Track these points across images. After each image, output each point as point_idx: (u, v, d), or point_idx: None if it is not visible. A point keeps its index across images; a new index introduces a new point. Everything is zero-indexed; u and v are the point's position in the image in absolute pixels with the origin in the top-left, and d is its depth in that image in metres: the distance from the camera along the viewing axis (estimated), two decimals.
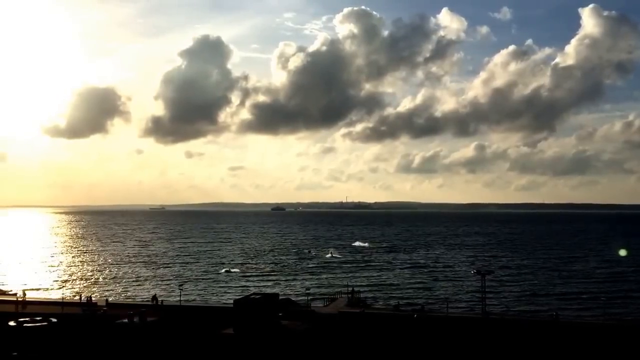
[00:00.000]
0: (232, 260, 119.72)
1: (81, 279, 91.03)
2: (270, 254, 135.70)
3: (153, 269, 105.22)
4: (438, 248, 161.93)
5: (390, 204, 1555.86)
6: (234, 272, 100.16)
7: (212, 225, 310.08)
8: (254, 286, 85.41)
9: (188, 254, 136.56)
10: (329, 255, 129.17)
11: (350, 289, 69.42)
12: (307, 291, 72.54)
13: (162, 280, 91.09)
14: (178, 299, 64.35)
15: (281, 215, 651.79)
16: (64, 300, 61.34)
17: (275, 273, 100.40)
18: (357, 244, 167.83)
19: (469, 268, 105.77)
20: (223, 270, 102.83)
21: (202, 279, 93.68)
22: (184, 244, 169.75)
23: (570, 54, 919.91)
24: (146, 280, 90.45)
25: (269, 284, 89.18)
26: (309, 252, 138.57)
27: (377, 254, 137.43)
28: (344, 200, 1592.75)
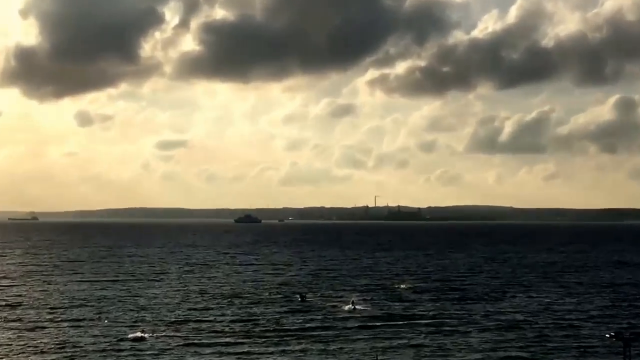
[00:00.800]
0: (155, 317, 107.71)
1: None
2: (231, 304, 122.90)
3: (14, 332, 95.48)
4: (546, 289, 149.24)
5: (456, 211, 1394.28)
6: (153, 340, 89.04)
7: (124, 251, 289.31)
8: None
9: (75, 303, 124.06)
10: (349, 306, 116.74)
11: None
12: None
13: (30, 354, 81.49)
14: None
15: (253, 231, 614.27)
16: None
17: (240, 341, 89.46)
18: (403, 286, 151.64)
19: (601, 327, 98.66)
20: (135, 334, 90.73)
21: (96, 351, 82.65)
22: (68, 283, 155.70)
23: None
24: None
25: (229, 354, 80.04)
26: (303, 297, 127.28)
27: (440, 304, 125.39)
28: (371, 205, 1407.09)
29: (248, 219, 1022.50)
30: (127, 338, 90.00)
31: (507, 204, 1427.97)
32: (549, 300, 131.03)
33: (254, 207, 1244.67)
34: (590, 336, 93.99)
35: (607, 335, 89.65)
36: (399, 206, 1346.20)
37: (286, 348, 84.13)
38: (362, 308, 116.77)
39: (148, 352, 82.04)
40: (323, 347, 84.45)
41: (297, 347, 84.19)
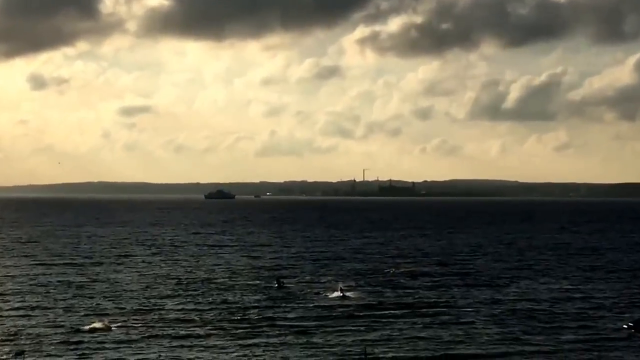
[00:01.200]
0: (116, 305, 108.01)
1: None
2: (202, 291, 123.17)
3: None
4: (557, 274, 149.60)
5: (455, 186, 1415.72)
6: (115, 331, 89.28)
7: (82, 230, 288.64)
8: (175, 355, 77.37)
9: (26, 289, 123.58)
10: (337, 293, 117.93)
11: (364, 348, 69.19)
12: None
13: None
14: None
15: (225, 208, 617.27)
16: None
17: (211, 332, 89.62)
18: (395, 270, 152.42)
19: (618, 317, 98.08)
20: (95, 324, 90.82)
21: (50, 343, 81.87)
22: (18, 267, 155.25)
23: None
24: None
25: (202, 355, 78.66)
26: (280, 283, 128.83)
27: (438, 290, 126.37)
28: (359, 179, 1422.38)
29: (220, 195, 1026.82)
30: (86, 328, 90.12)
31: (512, 178, 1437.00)
32: (560, 286, 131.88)
33: (227, 181, 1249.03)
34: (606, 327, 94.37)
35: (624, 326, 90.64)
36: (390, 180, 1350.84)
37: (263, 340, 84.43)
38: (351, 295, 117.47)
39: (109, 344, 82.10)
40: (305, 340, 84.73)
41: (276, 340, 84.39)
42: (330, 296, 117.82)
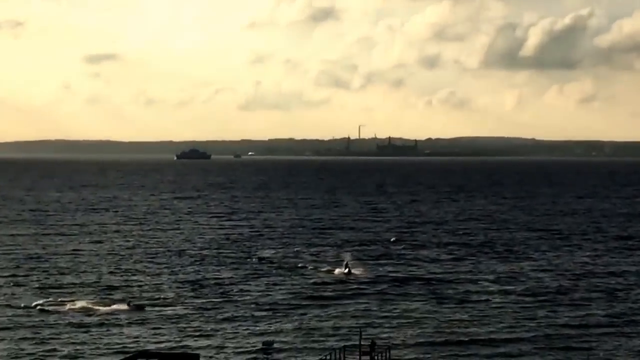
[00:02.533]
0: (76, 281, 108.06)
1: None
2: (173, 266, 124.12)
3: None
4: (581, 245, 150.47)
5: (464, 144, 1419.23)
6: (72, 310, 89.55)
7: (37, 196, 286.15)
8: (142, 338, 77.31)
9: None
10: (341, 269, 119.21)
11: (370, 341, 67.44)
12: (268, 347, 70.67)
13: None
14: None
15: (199, 170, 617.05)
16: None
17: (184, 312, 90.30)
18: (396, 240, 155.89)
19: None
20: (50, 303, 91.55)
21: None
22: None
23: None
24: None
25: (181, 334, 79.71)
26: (260, 258, 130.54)
27: (445, 264, 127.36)
28: (354, 136, 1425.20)
29: (194, 154, 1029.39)
30: (40, 308, 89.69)
31: (529, 134, 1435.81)
32: (585, 259, 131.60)
33: (204, 139, 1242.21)
34: (637, 304, 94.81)
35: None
36: (389, 138, 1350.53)
37: (244, 324, 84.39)
38: (355, 272, 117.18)
39: (65, 325, 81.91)
40: (297, 323, 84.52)
41: (259, 326, 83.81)
42: (335, 272, 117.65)
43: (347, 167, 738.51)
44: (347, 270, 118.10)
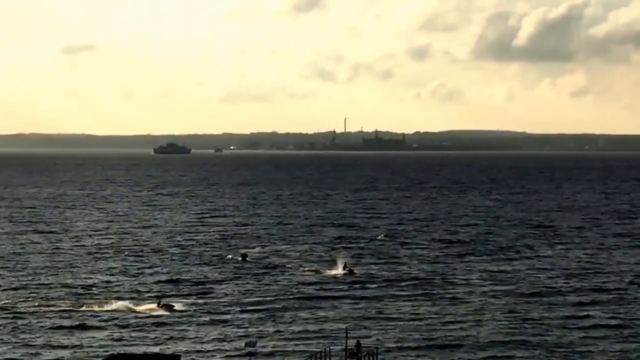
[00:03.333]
0: (49, 282, 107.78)
1: None
2: (151, 265, 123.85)
3: None
4: (577, 241, 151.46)
5: (453, 138, 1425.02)
6: (42, 311, 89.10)
7: (9, 193, 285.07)
8: (122, 340, 77.16)
9: None
10: (337, 270, 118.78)
11: (355, 341, 67.04)
12: (251, 347, 67.87)
13: None
14: None
15: (177, 165, 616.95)
16: None
17: (161, 313, 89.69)
18: (384, 237, 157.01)
19: None
20: (15, 304, 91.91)
21: None
22: None
23: None
24: None
25: (162, 336, 79.26)
26: (244, 257, 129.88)
27: (435, 262, 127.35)
28: (340, 130, 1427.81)
29: (172, 149, 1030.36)
30: (8, 308, 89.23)
31: (520, 128, 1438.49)
32: (582, 256, 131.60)
33: (184, 132, 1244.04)
34: (635, 303, 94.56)
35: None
36: (376, 131, 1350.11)
37: (226, 324, 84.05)
38: (351, 272, 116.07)
39: (40, 327, 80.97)
40: (282, 323, 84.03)
41: (242, 327, 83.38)
42: (331, 273, 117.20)
43: (331, 162, 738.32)
44: (346, 270, 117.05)
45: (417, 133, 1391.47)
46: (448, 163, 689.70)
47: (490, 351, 74.27)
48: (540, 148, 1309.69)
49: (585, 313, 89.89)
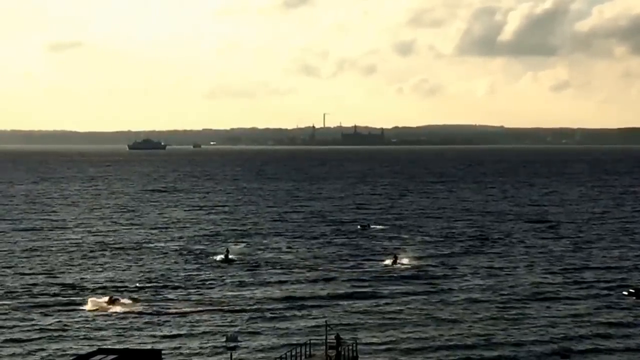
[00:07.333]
0: (44, 280, 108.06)
1: None
2: (131, 262, 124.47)
3: None
4: (550, 236, 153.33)
5: (431, 133, 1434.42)
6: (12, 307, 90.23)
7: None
8: (104, 337, 77.20)
9: None
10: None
11: (334, 335, 67.87)
12: (232, 344, 70.83)
13: None
14: None
15: (150, 161, 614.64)
16: None
17: (156, 308, 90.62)
18: (371, 227, 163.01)
19: (618, 283, 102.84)
20: None
21: None
22: None
23: None
24: None
25: (143, 332, 79.67)
26: (227, 255, 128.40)
27: (420, 259, 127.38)
28: (319, 125, 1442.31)
29: (147, 145, 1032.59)
30: None
31: (498, 122, 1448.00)
32: (556, 250, 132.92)
33: (164, 128, 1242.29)
34: (605, 293, 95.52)
35: (624, 293, 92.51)
36: (355, 127, 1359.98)
37: (208, 320, 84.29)
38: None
39: (20, 324, 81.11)
40: (263, 319, 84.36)
41: (225, 322, 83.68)
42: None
43: (310, 157, 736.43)
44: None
45: (396, 128, 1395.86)
46: (426, 158, 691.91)
47: (478, 349, 73.71)
48: (516, 142, 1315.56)
49: (582, 310, 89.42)
